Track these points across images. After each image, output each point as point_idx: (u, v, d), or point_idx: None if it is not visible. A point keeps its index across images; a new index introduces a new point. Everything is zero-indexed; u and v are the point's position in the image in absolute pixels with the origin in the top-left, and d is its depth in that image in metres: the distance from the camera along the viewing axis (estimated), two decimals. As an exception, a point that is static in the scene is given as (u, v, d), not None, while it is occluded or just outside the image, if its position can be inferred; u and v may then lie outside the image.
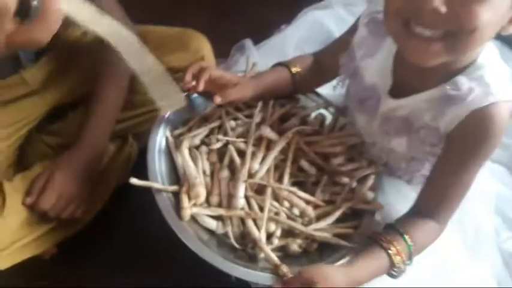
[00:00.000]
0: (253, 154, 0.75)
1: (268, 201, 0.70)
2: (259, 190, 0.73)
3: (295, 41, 1.19)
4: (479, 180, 0.70)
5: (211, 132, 0.80)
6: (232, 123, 0.82)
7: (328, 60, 0.86)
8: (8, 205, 0.84)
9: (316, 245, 0.72)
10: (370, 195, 0.75)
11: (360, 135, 0.81)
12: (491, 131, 0.63)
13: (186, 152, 0.76)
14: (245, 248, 0.70)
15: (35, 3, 0.41)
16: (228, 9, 1.64)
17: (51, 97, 0.98)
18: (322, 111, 0.89)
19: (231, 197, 0.72)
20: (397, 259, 0.66)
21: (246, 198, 0.72)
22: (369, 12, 0.76)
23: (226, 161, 0.76)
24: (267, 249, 0.67)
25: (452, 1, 0.54)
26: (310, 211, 0.71)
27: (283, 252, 0.71)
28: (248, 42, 1.22)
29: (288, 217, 0.71)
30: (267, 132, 0.78)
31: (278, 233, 0.71)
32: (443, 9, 0.54)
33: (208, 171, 0.75)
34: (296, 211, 0.72)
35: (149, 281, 0.97)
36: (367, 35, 0.76)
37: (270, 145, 0.78)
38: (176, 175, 0.76)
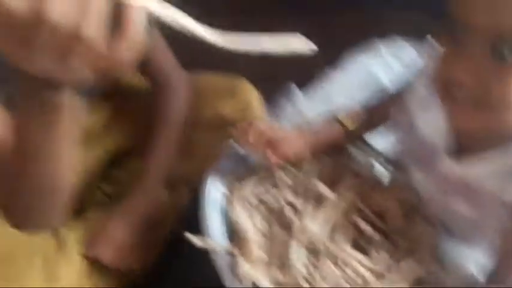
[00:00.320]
0: (308, 211, 0.75)
1: (327, 267, 0.69)
2: (315, 249, 0.72)
3: (344, 87, 1.20)
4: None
5: (264, 187, 0.81)
6: (285, 177, 0.82)
7: (380, 114, 0.85)
8: (65, 254, 0.86)
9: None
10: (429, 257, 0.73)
11: (416, 191, 0.80)
12: None
13: (239, 207, 0.77)
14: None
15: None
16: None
17: (109, 144, 1.02)
18: (374, 162, 0.88)
19: (286, 258, 0.71)
20: None
21: (302, 257, 0.71)
22: (424, 67, 0.76)
23: (280, 218, 0.76)
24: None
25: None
26: (372, 279, 0.69)
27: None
28: (293, 87, 1.23)
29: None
30: (322, 188, 0.77)
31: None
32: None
33: (262, 228, 0.75)
34: (354, 275, 0.71)
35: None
36: (424, 91, 0.76)
37: (323, 201, 0.77)
38: (230, 231, 0.76)
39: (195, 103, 1.03)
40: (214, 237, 0.73)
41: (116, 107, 1.00)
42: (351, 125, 0.86)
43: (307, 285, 0.69)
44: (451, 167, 0.70)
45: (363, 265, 0.71)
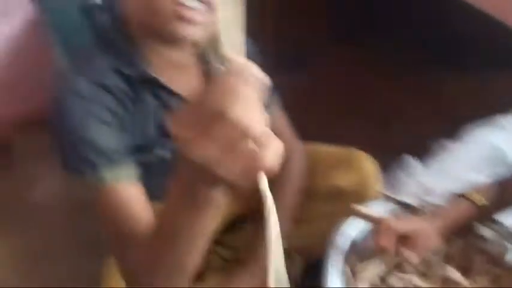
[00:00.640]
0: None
1: None
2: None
3: (467, 161, 1.14)
4: None
5: (387, 267, 0.78)
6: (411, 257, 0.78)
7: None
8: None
9: None
10: None
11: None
12: None
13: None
14: None
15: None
16: (381, 120, 1.65)
17: (226, 210, 1.06)
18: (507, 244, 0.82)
19: None
20: None
21: None
22: None
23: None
24: None
25: None
26: None
27: None
28: (413, 161, 1.19)
29: None
30: (452, 273, 0.73)
31: None
32: None
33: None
34: None
35: None
36: None
37: (452, 285, 0.72)
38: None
39: (312, 174, 1.04)
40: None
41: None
42: (479, 202, 0.82)
43: None
44: None
45: None
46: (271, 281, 0.44)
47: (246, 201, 1.06)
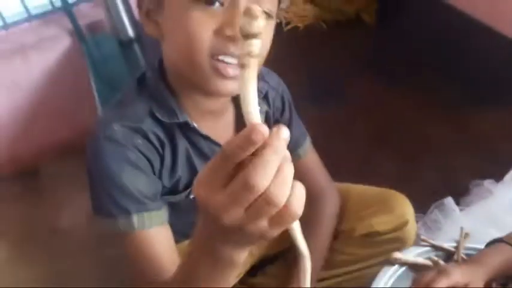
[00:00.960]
0: None
1: None
2: None
3: (506, 203, 1.09)
4: None
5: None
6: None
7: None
8: None
9: None
10: None
11: None
12: None
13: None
14: None
15: None
16: (413, 155, 1.60)
17: (255, 250, 1.03)
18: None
19: None
20: None
21: None
22: None
23: None
24: None
25: None
26: None
27: None
28: (450, 201, 1.14)
29: None
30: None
31: None
32: None
33: None
34: None
35: None
36: None
37: None
38: None
39: (346, 215, 1.00)
40: None
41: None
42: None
43: None
44: None
45: None
46: None
47: (275, 242, 1.03)
